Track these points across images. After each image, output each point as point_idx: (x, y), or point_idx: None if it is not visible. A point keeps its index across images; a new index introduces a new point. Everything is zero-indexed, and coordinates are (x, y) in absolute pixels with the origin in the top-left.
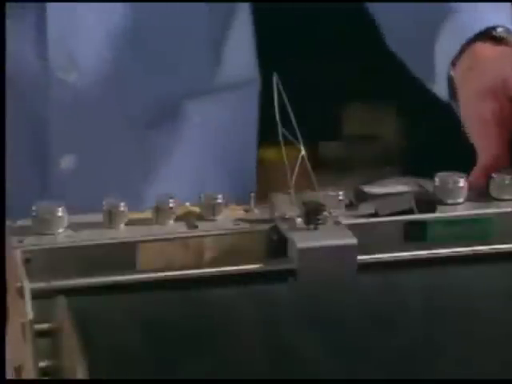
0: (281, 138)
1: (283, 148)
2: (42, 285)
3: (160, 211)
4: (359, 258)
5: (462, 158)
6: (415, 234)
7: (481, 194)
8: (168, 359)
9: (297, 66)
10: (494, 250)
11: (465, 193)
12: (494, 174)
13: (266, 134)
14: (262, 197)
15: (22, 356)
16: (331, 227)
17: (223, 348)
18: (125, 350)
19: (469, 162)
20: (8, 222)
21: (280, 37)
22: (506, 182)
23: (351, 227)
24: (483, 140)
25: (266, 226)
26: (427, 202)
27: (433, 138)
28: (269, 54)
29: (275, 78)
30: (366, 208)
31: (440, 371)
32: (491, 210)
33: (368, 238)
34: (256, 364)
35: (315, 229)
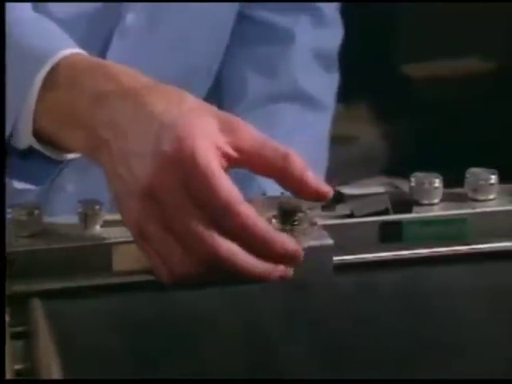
0: None
1: None
2: (17, 287)
3: None
4: (335, 258)
5: (438, 158)
6: (391, 234)
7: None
8: (144, 360)
9: None
10: (469, 250)
11: (440, 193)
12: (468, 175)
13: None
14: None
15: None
16: (307, 228)
17: (199, 349)
18: (100, 352)
19: (445, 162)
20: None
21: None
22: (481, 182)
23: (327, 228)
24: None
25: None
26: (403, 203)
27: (409, 139)
28: None
29: None
30: (343, 209)
31: (420, 371)
32: (466, 211)
33: (344, 238)
34: (234, 364)
35: (291, 230)
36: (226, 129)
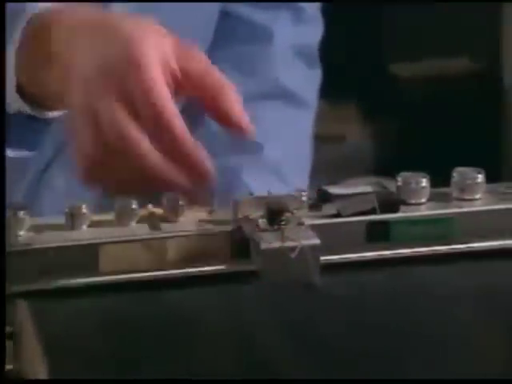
0: None
1: None
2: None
3: (122, 213)
4: (322, 258)
5: (425, 157)
6: (378, 234)
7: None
8: (131, 360)
9: None
10: (456, 250)
11: (427, 193)
12: (454, 174)
13: None
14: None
15: None
16: (294, 228)
17: (186, 349)
18: (87, 352)
19: (432, 161)
20: None
21: None
22: (468, 182)
23: (314, 228)
24: None
25: (229, 228)
26: (390, 203)
27: (396, 138)
28: None
29: None
30: (329, 209)
31: (408, 371)
32: (454, 210)
33: (331, 238)
34: (220, 365)
35: (278, 230)
36: (180, 54)
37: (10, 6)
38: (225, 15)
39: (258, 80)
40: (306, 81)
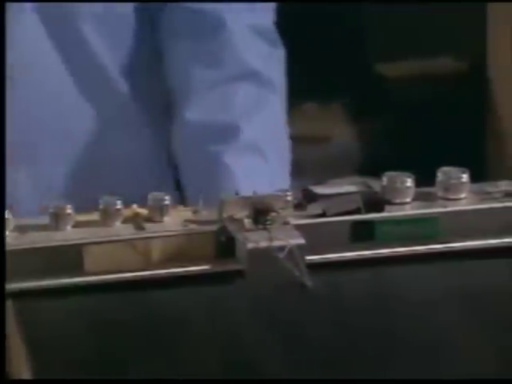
0: None
1: None
2: None
3: (107, 213)
4: (307, 258)
5: (410, 157)
6: (363, 233)
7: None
8: (117, 360)
9: None
10: (441, 250)
11: (412, 192)
12: (439, 174)
13: None
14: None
15: None
16: (280, 227)
17: (172, 349)
18: (73, 353)
19: (417, 161)
20: None
21: None
22: (453, 181)
23: (299, 227)
24: None
25: (214, 227)
26: (374, 202)
27: (381, 138)
28: None
29: None
30: (315, 208)
31: (392, 371)
32: (438, 210)
33: (316, 238)
34: (206, 365)
35: (264, 229)
36: None
37: None
38: (175, 9)
39: (222, 65)
40: (270, 59)
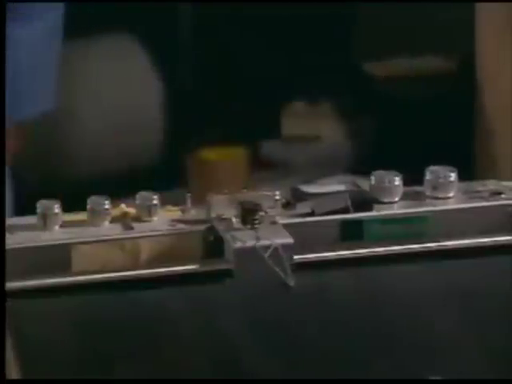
0: None
1: None
2: None
3: (95, 213)
4: (296, 257)
5: (399, 156)
6: (352, 232)
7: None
8: (104, 360)
9: (239, 65)
10: (430, 248)
11: (401, 191)
12: (428, 172)
13: (205, 134)
14: (201, 197)
15: None
16: (268, 227)
17: (160, 348)
18: (60, 352)
19: (405, 160)
20: None
21: (221, 36)
22: (441, 180)
23: (287, 227)
24: None
25: (202, 227)
26: (363, 201)
27: (370, 138)
28: (211, 54)
29: None
30: (303, 207)
31: (375, 371)
32: (427, 209)
33: (305, 237)
34: (194, 364)
35: (252, 229)
36: None
37: None
38: None
39: None
40: None
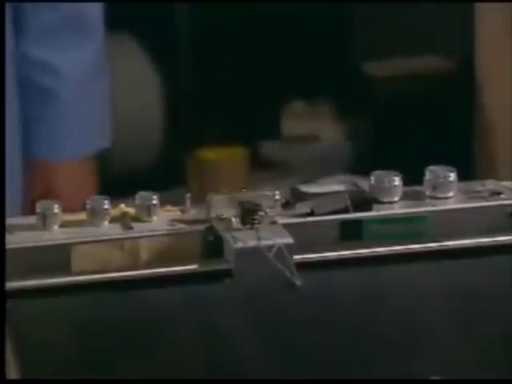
0: None
1: None
2: None
3: (94, 212)
4: (296, 257)
5: (398, 156)
6: (351, 232)
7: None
8: (104, 360)
9: (239, 64)
10: (430, 248)
11: (400, 191)
12: (427, 172)
13: (205, 134)
14: (201, 197)
15: None
16: (267, 227)
17: (159, 349)
18: (60, 353)
19: (405, 160)
20: None
21: (221, 37)
22: (440, 180)
23: (287, 227)
24: None
25: (201, 227)
26: (362, 201)
27: (369, 137)
28: (210, 54)
29: None
30: (303, 207)
31: (375, 371)
32: (427, 209)
33: (304, 237)
34: (193, 365)
35: (251, 229)
36: None
37: None
38: None
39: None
40: None
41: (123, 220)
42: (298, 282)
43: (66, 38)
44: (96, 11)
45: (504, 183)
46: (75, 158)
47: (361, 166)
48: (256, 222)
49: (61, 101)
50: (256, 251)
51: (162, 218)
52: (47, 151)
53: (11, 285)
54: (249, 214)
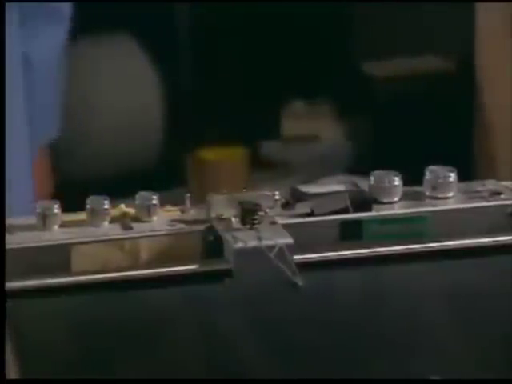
0: None
1: None
2: None
3: (94, 213)
4: (295, 257)
5: (398, 156)
6: (351, 232)
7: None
8: (104, 360)
9: (239, 64)
10: (430, 248)
11: (400, 191)
12: (427, 172)
13: (205, 134)
14: (201, 197)
15: None
16: (267, 227)
17: (159, 349)
18: (60, 352)
19: (405, 160)
20: None
21: (221, 37)
22: (440, 180)
23: (287, 227)
24: None
25: (201, 227)
26: (362, 201)
27: (369, 138)
28: (210, 54)
29: None
30: (302, 207)
31: (375, 371)
32: (426, 209)
33: (304, 237)
34: (193, 365)
35: (251, 229)
36: None
37: None
38: None
39: None
40: None
41: (123, 220)
42: (300, 282)
43: (35, 25)
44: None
45: (504, 183)
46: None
47: (361, 166)
48: (256, 222)
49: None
50: (256, 251)
51: (161, 218)
52: None
53: (11, 285)
54: (249, 214)
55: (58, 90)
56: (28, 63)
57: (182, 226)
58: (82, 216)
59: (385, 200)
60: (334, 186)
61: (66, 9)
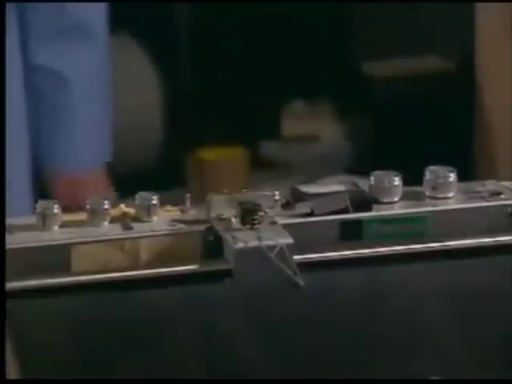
0: None
1: None
2: None
3: (94, 213)
4: (296, 257)
5: (398, 156)
6: (351, 233)
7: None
8: (104, 360)
9: (238, 64)
10: (431, 248)
11: (400, 191)
12: (427, 173)
13: (205, 134)
14: (201, 197)
15: None
16: (267, 227)
17: (159, 349)
18: (60, 352)
19: (405, 160)
20: None
21: (221, 37)
22: (440, 180)
23: (287, 227)
24: None
25: (201, 227)
26: (362, 201)
27: (369, 138)
28: (210, 54)
29: None
30: (303, 207)
31: (375, 371)
32: (426, 209)
33: (304, 237)
34: (193, 365)
35: (251, 229)
36: None
37: None
38: None
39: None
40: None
41: (123, 220)
42: (301, 282)
43: (71, 44)
44: (99, 18)
45: (504, 183)
46: (95, 167)
47: (361, 166)
48: (256, 222)
49: (71, 111)
50: (256, 251)
51: (162, 218)
52: (66, 161)
53: (11, 285)
54: (249, 214)
55: (106, 112)
56: (62, 80)
57: (182, 226)
58: (82, 216)
59: (385, 200)
60: (334, 186)
61: (102, 31)
